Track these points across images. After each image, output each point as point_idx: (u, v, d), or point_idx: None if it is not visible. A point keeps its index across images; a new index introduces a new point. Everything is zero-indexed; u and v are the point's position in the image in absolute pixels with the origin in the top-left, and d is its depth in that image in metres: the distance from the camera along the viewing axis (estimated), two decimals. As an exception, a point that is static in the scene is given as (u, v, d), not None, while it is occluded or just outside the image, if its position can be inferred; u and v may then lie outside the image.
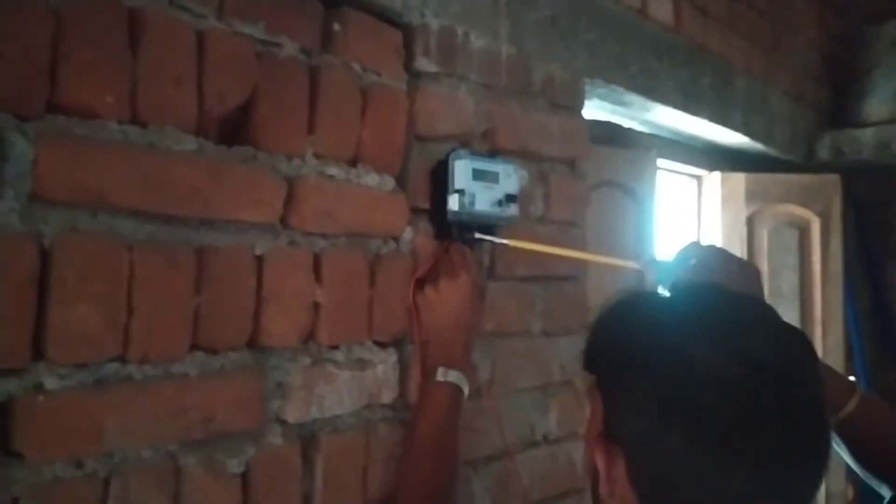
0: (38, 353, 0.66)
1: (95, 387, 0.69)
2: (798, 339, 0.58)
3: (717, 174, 2.14)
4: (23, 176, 0.65)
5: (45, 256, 0.66)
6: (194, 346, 0.77)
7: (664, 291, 0.82)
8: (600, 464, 0.58)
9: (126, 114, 0.73)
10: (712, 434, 0.52)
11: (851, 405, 0.79)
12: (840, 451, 0.82)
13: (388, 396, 0.97)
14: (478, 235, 1.01)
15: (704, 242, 0.90)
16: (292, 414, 0.85)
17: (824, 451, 0.55)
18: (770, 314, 0.59)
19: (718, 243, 2.12)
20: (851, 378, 0.92)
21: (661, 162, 1.84)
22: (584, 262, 1.30)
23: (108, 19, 0.72)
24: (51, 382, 0.67)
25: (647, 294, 0.67)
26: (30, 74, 0.66)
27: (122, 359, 0.71)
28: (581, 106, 1.35)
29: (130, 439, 0.71)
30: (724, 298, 0.61)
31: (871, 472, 0.81)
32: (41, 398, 0.66)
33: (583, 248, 1.30)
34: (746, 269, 0.85)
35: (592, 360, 0.63)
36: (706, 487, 0.53)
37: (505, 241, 1.04)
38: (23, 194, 0.65)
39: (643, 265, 0.88)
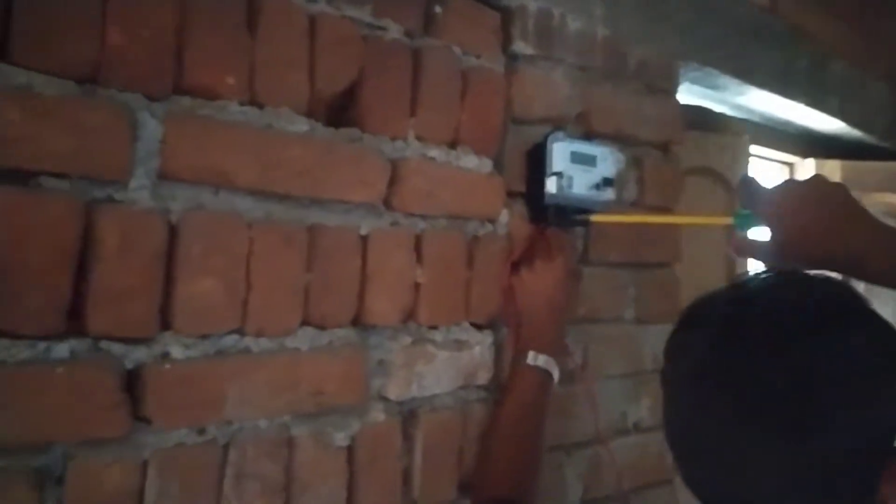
0: (165, 324, 0.69)
1: (217, 357, 0.72)
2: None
3: (810, 161, 2.05)
4: (152, 155, 0.69)
5: (172, 232, 0.70)
6: (305, 322, 0.79)
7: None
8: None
9: (245, 95, 0.75)
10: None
11: None
12: None
13: (483, 378, 0.97)
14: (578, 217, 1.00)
15: (797, 180, 0.80)
16: (394, 391, 0.87)
17: None
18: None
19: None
20: None
21: (753, 148, 1.78)
22: (677, 248, 1.28)
23: (229, 4, 0.75)
24: (177, 352, 0.70)
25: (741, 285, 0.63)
26: (159, 57, 0.69)
27: (240, 331, 0.74)
28: (675, 89, 1.32)
29: (248, 409, 0.74)
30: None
31: None
32: (168, 366, 0.69)
33: (673, 233, 1.27)
34: (848, 209, 0.73)
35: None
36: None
37: (588, 218, 1.02)
38: (152, 172, 0.69)
39: (735, 219, 0.80)
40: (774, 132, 1.91)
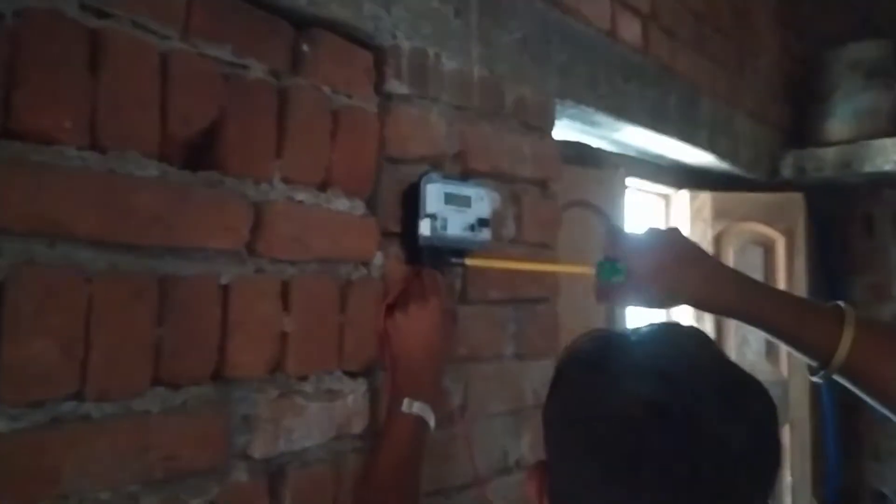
0: (-12, 393, 0.62)
1: (51, 426, 0.66)
2: (711, 381, 0.55)
3: (684, 193, 2.16)
4: (-26, 205, 0.62)
5: (-2, 290, 0.63)
6: (156, 381, 0.74)
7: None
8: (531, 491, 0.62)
9: (86, 139, 0.70)
10: (608, 466, 0.54)
11: (844, 348, 0.71)
12: (856, 391, 0.74)
13: (358, 426, 0.94)
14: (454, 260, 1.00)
15: (657, 229, 0.87)
16: (259, 449, 0.83)
17: (726, 492, 0.52)
18: (694, 354, 0.59)
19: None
20: (840, 304, 0.75)
21: (629, 181, 1.86)
22: (557, 285, 1.30)
23: (67, 41, 0.69)
24: (2, 424, 0.63)
25: (602, 331, 0.66)
26: (-18, 98, 0.63)
27: (79, 396, 0.68)
28: (552, 127, 1.35)
29: (88, 481, 0.68)
30: (657, 338, 0.61)
31: (890, 408, 0.72)
32: (-9, 441, 0.62)
33: (561, 262, 1.30)
34: (693, 254, 0.82)
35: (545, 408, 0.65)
36: None
37: (462, 261, 1.02)
38: (-26, 225, 0.62)
39: (598, 268, 0.85)
40: (649, 165, 2.01)
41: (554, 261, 1.25)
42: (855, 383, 0.74)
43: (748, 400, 0.55)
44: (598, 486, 0.54)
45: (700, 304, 0.82)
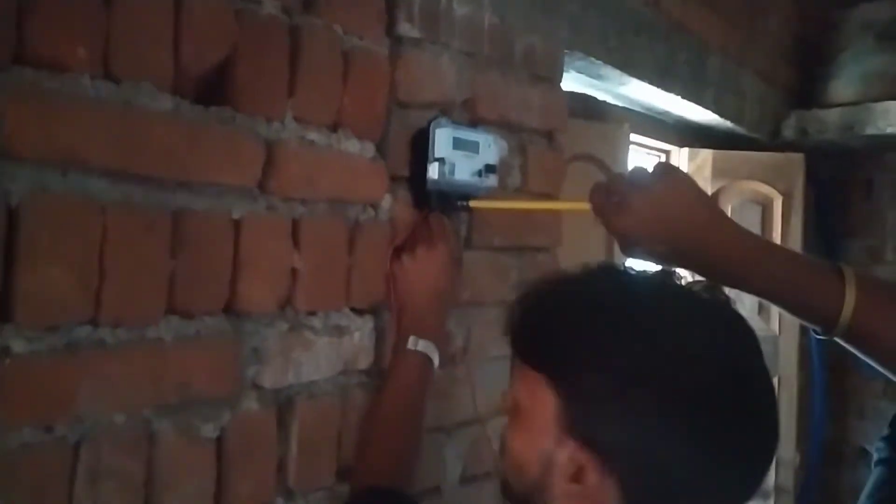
0: (5, 316, 0.63)
1: (66, 350, 0.67)
2: (754, 337, 0.60)
3: (685, 150, 2.17)
4: (-11, 131, 0.62)
5: (12, 216, 0.64)
6: (170, 311, 0.75)
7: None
8: (566, 469, 0.56)
9: (99, 69, 0.70)
10: (715, 440, 0.54)
11: (849, 308, 0.68)
12: (858, 354, 0.72)
13: (364, 363, 0.97)
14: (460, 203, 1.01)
15: (667, 164, 0.82)
16: (269, 380, 0.85)
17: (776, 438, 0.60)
18: (731, 313, 0.61)
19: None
20: (837, 264, 0.72)
21: (633, 137, 1.85)
22: (559, 232, 1.31)
23: (81, -33, 0.69)
24: (18, 345, 0.64)
25: (604, 278, 0.62)
26: (-4, 23, 0.63)
27: (94, 322, 0.69)
28: (560, 78, 1.34)
29: (103, 404, 0.70)
30: (688, 295, 0.61)
31: (892, 370, 0.71)
32: (8, 361, 0.63)
33: (555, 218, 1.31)
34: (700, 199, 0.75)
35: (542, 349, 0.59)
36: (702, 490, 0.55)
37: (467, 203, 1.03)
38: (-11, 150, 0.62)
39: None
40: (653, 121, 2.00)
41: (556, 198, 1.26)
42: (857, 344, 0.71)
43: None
44: (713, 458, 0.54)
45: (707, 265, 0.73)
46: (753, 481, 0.58)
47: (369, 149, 0.97)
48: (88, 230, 0.69)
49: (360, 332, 0.96)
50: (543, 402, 0.58)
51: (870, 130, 2.25)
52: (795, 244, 2.21)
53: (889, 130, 2.21)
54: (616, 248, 0.80)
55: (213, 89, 0.81)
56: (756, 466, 0.57)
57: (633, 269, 0.65)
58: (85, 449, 0.68)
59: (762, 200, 2.24)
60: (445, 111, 1.08)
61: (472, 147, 1.02)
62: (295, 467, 0.88)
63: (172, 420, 0.75)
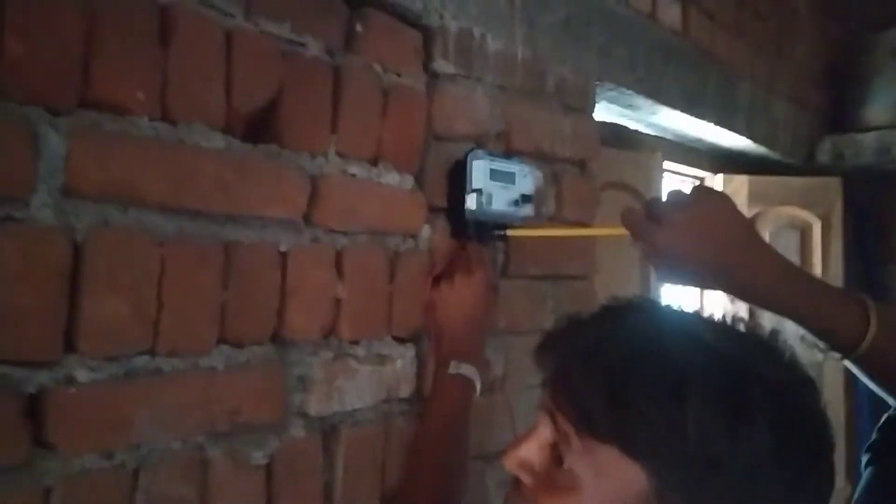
0: (69, 346, 0.67)
1: (125, 379, 0.70)
2: (811, 378, 0.58)
3: (720, 176, 2.16)
4: (55, 171, 0.66)
5: (77, 251, 0.67)
6: (221, 340, 0.78)
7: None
8: None
9: (156, 110, 0.74)
10: (816, 481, 0.53)
11: (871, 335, 0.70)
12: (863, 378, 0.75)
13: (405, 391, 0.98)
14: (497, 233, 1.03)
15: (706, 187, 0.81)
16: (314, 407, 0.87)
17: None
18: (790, 356, 0.58)
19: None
20: (856, 294, 0.76)
21: (666, 164, 1.86)
22: (593, 261, 1.32)
23: (140, 16, 0.73)
24: (82, 375, 0.67)
25: (661, 323, 0.57)
26: (63, 69, 0.67)
27: (151, 352, 0.72)
28: (592, 108, 1.37)
29: (159, 431, 0.72)
30: (755, 341, 0.57)
31: (891, 390, 0.74)
32: (72, 391, 0.66)
33: (590, 247, 1.32)
34: (742, 223, 0.76)
35: (624, 419, 0.51)
36: None
37: (505, 232, 1.05)
38: (55, 189, 0.66)
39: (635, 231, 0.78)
40: (686, 149, 2.01)
41: (590, 226, 1.27)
42: (866, 366, 0.74)
43: None
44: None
45: (744, 287, 0.74)
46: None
47: (408, 181, 1.00)
48: (147, 263, 0.72)
49: (402, 359, 0.98)
50: (623, 479, 0.51)
51: (907, 153, 2.23)
52: (836, 269, 2.18)
53: (926, 153, 2.19)
54: (650, 274, 0.81)
55: (260, 127, 0.85)
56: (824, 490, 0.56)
57: (667, 304, 0.63)
58: (143, 475, 0.71)
59: (800, 225, 2.22)
60: (481, 143, 1.11)
61: (509, 178, 1.05)
62: (340, 492, 0.89)
63: (224, 447, 0.78)
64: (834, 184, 2.26)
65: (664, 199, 0.79)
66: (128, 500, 0.70)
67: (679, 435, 0.49)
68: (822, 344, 0.77)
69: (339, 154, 0.91)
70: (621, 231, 0.81)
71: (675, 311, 0.61)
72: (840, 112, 2.51)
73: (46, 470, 0.65)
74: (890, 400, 0.77)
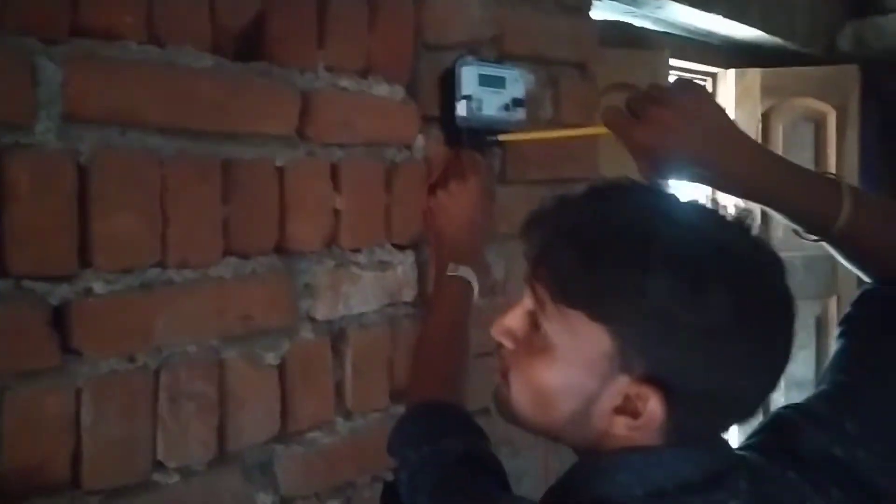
0: (85, 261, 0.73)
1: (140, 290, 0.77)
2: (780, 259, 0.60)
3: (732, 72, 2.11)
4: (55, 98, 0.70)
5: (82, 172, 0.72)
6: (227, 252, 0.84)
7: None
8: (613, 401, 0.56)
9: (145, 34, 0.77)
10: (751, 357, 0.56)
11: (844, 217, 0.71)
12: (840, 259, 0.77)
13: (408, 295, 1.04)
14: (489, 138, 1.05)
15: (682, 84, 0.80)
16: (321, 312, 0.93)
17: None
18: (758, 238, 0.60)
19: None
20: (830, 176, 0.80)
21: (676, 61, 1.83)
22: (595, 163, 1.33)
23: (120, -59, 0.75)
24: (99, 287, 0.74)
25: (632, 199, 0.59)
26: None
27: (162, 264, 0.78)
28: (589, 7, 1.34)
29: (176, 336, 0.79)
30: (720, 219, 0.60)
31: (869, 269, 0.76)
32: (91, 301, 0.73)
33: (591, 148, 1.33)
34: (721, 115, 0.76)
35: (586, 290, 0.55)
36: (735, 403, 0.58)
37: (497, 138, 1.07)
38: (56, 115, 0.70)
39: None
40: (697, 44, 1.96)
41: (578, 126, 1.25)
42: (839, 246, 0.76)
43: None
44: (763, 363, 0.57)
45: (719, 175, 0.75)
46: (770, 390, 0.61)
47: (399, 91, 1.02)
48: (150, 181, 0.77)
49: (403, 266, 1.03)
50: (592, 340, 0.56)
51: (932, 35, 2.14)
52: (852, 159, 2.15)
53: (953, 33, 2.10)
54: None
55: (249, 45, 0.87)
56: (776, 378, 0.61)
57: (653, 187, 0.66)
58: (164, 375, 0.78)
59: (815, 117, 2.18)
60: (473, 50, 1.11)
61: (499, 83, 1.06)
62: (351, 390, 0.96)
63: (238, 349, 0.84)
64: (851, 71, 2.19)
65: (643, 92, 0.80)
66: (152, 397, 0.77)
67: (640, 298, 0.53)
68: (799, 228, 0.79)
69: (327, 69, 0.93)
70: (603, 129, 0.82)
71: (658, 192, 0.64)
72: (865, -4, 2.40)
73: (76, 373, 0.72)
74: (865, 277, 0.78)
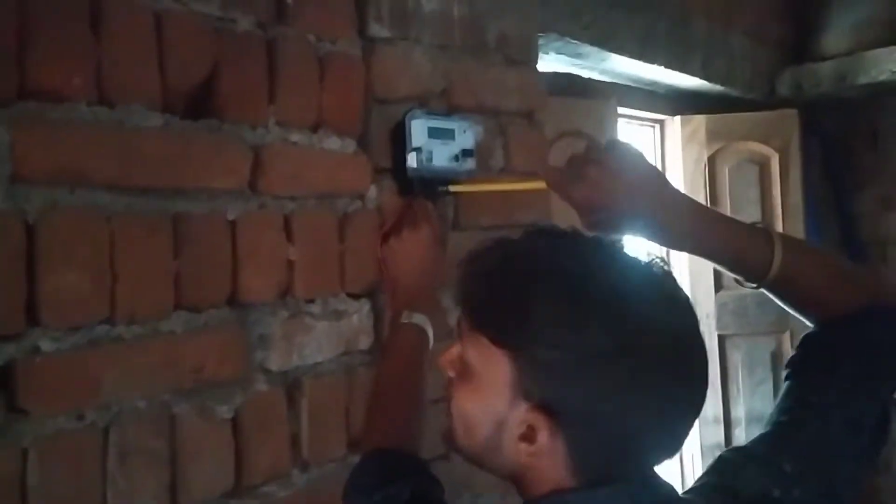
0: (33, 320, 0.73)
1: (88, 347, 0.76)
2: (690, 303, 0.63)
3: (678, 118, 2.20)
4: (3, 160, 0.71)
5: (30, 231, 0.73)
6: (178, 306, 0.84)
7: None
8: (517, 429, 0.59)
9: (94, 95, 0.78)
10: (656, 399, 0.58)
11: (777, 264, 0.75)
12: (780, 303, 0.81)
13: (364, 343, 1.05)
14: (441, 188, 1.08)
15: (614, 144, 0.83)
16: (275, 362, 0.93)
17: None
18: (670, 279, 0.63)
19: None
20: (759, 225, 0.82)
21: (622, 109, 1.90)
22: (548, 210, 1.37)
23: (70, 5, 0.77)
24: (46, 345, 0.73)
25: (550, 242, 0.62)
26: (0, 62, 0.72)
27: (110, 321, 0.78)
28: (535, 60, 1.40)
29: (126, 391, 0.79)
30: (632, 262, 0.62)
31: (805, 312, 0.79)
32: (38, 359, 0.73)
33: (543, 195, 1.36)
34: (651, 175, 0.79)
35: (495, 318, 0.60)
36: (642, 443, 0.60)
37: (447, 188, 1.11)
38: (4, 177, 0.71)
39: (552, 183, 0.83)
40: (643, 92, 2.04)
41: (521, 179, 1.29)
42: (774, 291, 0.79)
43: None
44: (658, 408, 0.58)
45: (657, 231, 0.80)
46: (684, 433, 0.63)
47: (350, 144, 1.05)
48: (98, 238, 0.77)
49: (359, 314, 1.04)
50: (497, 366, 0.59)
51: (863, 80, 2.26)
52: (796, 199, 2.24)
53: (882, 78, 2.22)
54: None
55: (199, 103, 0.89)
56: (689, 421, 0.63)
57: (576, 232, 0.66)
58: (113, 431, 0.77)
59: (759, 160, 2.27)
60: (423, 102, 1.15)
61: (448, 134, 1.09)
62: (307, 441, 0.96)
63: (190, 403, 0.84)
64: (790, 116, 2.30)
65: (581, 153, 0.83)
66: (101, 454, 0.76)
67: (527, 323, 0.58)
68: (737, 276, 0.82)
69: (278, 123, 0.96)
70: (542, 185, 0.86)
71: (582, 238, 0.66)
72: (802, 42, 2.53)
73: (22, 432, 0.71)
74: (805, 320, 0.81)
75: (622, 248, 0.64)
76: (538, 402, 0.58)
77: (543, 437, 0.58)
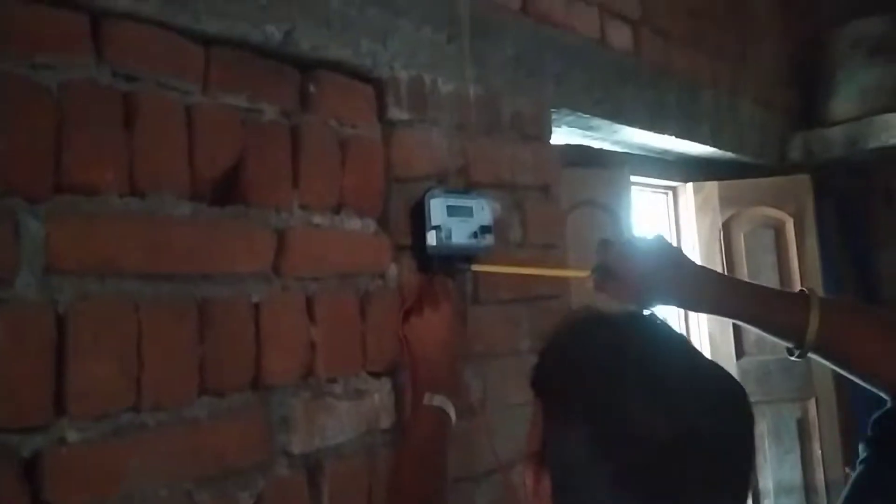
0: (60, 410, 0.73)
1: (114, 436, 0.77)
2: (736, 404, 0.58)
3: (690, 185, 2.22)
4: (37, 253, 0.73)
5: (60, 321, 0.74)
6: (202, 391, 0.85)
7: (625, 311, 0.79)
8: (528, 479, 0.61)
9: (126, 187, 0.81)
10: (637, 487, 0.55)
11: (813, 327, 0.76)
12: (831, 365, 0.80)
13: (386, 422, 1.04)
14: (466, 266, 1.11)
15: (642, 237, 0.93)
16: (297, 445, 0.93)
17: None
18: (713, 370, 0.60)
19: (696, 249, 2.20)
20: (801, 290, 0.83)
21: (635, 177, 1.93)
22: (567, 284, 1.38)
23: (104, 104, 0.81)
24: (72, 436, 0.74)
25: (601, 322, 0.65)
26: (37, 161, 0.75)
27: (136, 408, 0.79)
28: (549, 135, 1.43)
29: (149, 480, 0.78)
30: (673, 346, 0.62)
31: (866, 377, 0.77)
32: (64, 451, 0.73)
33: (562, 266, 1.38)
34: (674, 258, 0.88)
35: (540, 380, 0.64)
36: None
37: (468, 267, 1.13)
38: (38, 269, 0.73)
39: (593, 272, 0.93)
40: (653, 161, 2.07)
41: (554, 265, 1.33)
42: (827, 358, 0.80)
43: (742, 405, 0.60)
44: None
45: (685, 304, 0.94)
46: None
47: (371, 224, 1.07)
48: (126, 327, 0.79)
49: (380, 393, 1.04)
50: (537, 424, 0.62)
51: (873, 144, 2.29)
52: (813, 263, 2.23)
53: (892, 142, 2.24)
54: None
55: (226, 190, 0.92)
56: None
57: (614, 317, 0.66)
58: (136, 522, 0.77)
59: (774, 224, 2.28)
60: (441, 180, 1.18)
61: (466, 212, 1.11)
62: (329, 526, 0.94)
63: (212, 491, 0.83)
64: (803, 180, 2.32)
65: (616, 251, 0.92)
66: (124, 546, 0.75)
67: (550, 387, 0.62)
68: (780, 340, 0.84)
69: (302, 207, 0.98)
70: (581, 273, 0.93)
71: (612, 322, 0.66)
72: (810, 108, 2.58)
73: (46, 526, 0.71)
74: (868, 386, 0.78)
75: (668, 336, 0.63)
76: (546, 459, 0.60)
77: (540, 487, 0.59)
